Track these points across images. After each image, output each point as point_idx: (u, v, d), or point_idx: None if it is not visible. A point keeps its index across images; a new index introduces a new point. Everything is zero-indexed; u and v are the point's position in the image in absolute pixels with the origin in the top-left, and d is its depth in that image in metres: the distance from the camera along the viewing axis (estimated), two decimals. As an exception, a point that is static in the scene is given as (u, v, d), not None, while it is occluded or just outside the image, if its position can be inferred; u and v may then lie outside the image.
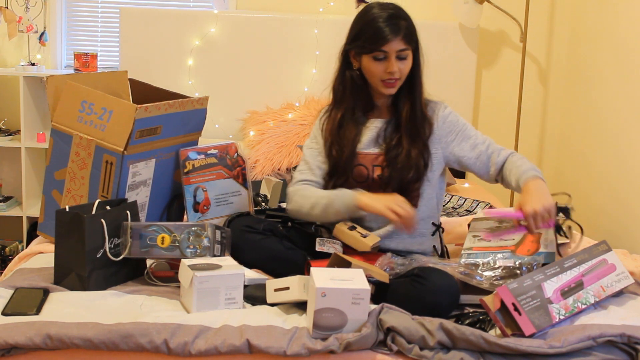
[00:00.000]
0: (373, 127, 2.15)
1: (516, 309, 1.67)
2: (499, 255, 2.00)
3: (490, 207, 2.90)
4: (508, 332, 1.67)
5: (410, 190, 2.07)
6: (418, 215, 2.10)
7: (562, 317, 1.71)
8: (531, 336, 1.65)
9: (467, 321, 1.75)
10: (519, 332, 1.66)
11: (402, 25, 2.04)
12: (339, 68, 2.16)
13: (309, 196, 2.09)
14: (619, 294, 1.87)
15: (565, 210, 2.03)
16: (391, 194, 2.01)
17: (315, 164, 2.16)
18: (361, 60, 2.09)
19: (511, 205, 3.62)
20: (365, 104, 2.15)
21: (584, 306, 1.77)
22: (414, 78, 2.11)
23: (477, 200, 3.03)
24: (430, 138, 2.12)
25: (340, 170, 2.11)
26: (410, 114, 2.10)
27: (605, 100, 3.14)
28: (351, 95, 2.13)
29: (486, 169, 2.12)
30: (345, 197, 2.02)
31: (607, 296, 1.83)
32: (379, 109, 2.17)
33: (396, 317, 1.65)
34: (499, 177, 2.12)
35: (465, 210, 2.95)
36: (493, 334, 1.66)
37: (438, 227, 2.19)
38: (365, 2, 3.60)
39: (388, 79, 2.06)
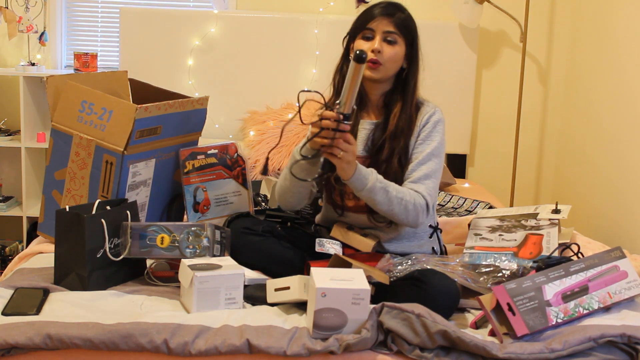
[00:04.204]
0: (362, 129, 2.13)
1: (510, 309, 1.65)
2: (503, 259, 1.99)
3: (491, 207, 2.90)
4: (501, 330, 1.65)
5: None
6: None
7: (560, 321, 1.68)
8: (523, 337, 1.63)
9: None
10: (511, 332, 1.65)
11: (396, 13, 2.06)
12: (340, 60, 2.17)
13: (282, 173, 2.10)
14: (628, 300, 1.81)
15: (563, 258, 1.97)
16: None
17: None
18: (354, 45, 2.09)
19: (511, 205, 3.62)
20: (359, 97, 2.12)
21: (585, 311, 1.72)
22: (408, 78, 2.08)
23: (477, 200, 3.03)
24: (411, 139, 2.08)
25: None
26: (399, 115, 2.07)
27: (605, 100, 3.14)
28: None
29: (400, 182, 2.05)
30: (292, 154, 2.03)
31: (614, 303, 1.77)
32: (372, 107, 2.15)
33: (396, 319, 1.63)
34: None
35: (465, 210, 2.95)
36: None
37: (435, 229, 2.18)
38: (366, 2, 3.62)
39: (370, 59, 2.02)
